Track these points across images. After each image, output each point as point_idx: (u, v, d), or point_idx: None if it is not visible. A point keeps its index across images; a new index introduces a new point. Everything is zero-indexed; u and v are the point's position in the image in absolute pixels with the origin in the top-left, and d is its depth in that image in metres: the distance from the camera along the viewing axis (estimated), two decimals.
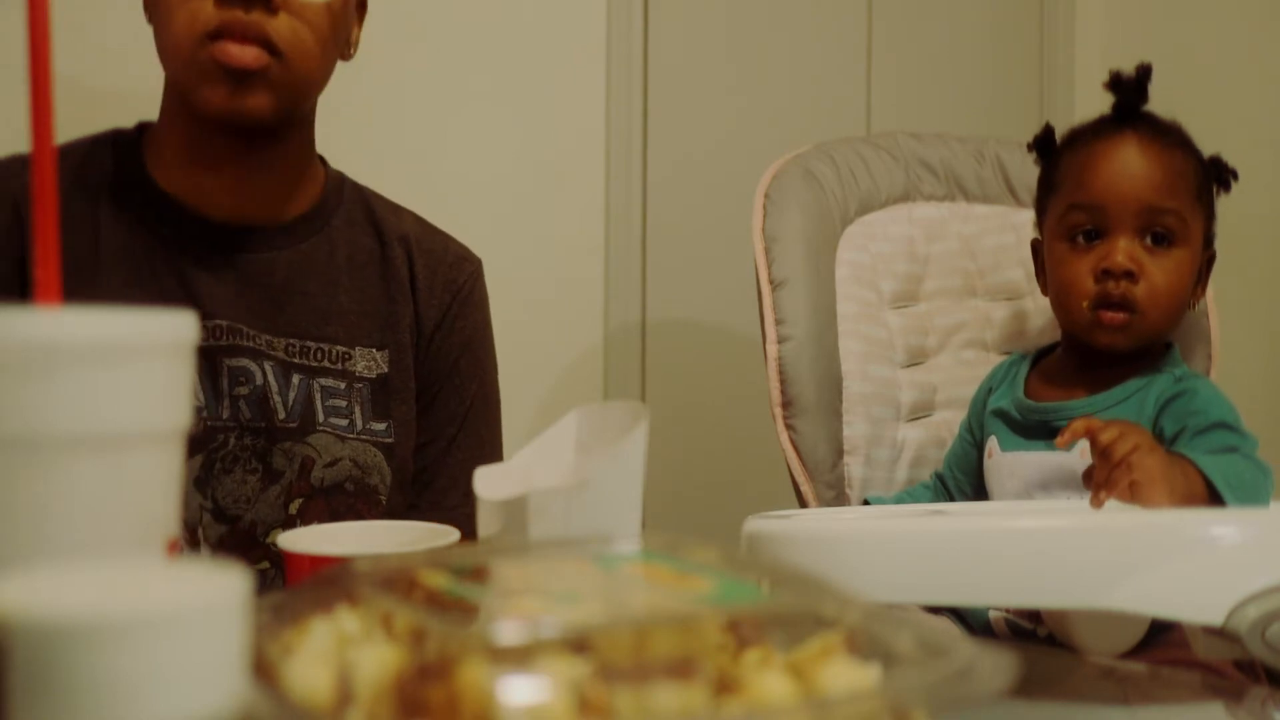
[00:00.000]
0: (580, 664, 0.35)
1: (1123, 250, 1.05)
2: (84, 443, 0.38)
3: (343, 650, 0.36)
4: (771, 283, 1.23)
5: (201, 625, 0.27)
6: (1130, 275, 1.04)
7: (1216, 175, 1.14)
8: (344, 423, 0.98)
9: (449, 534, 0.67)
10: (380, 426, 1.00)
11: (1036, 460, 1.10)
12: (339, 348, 1.00)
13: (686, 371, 2.02)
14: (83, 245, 0.93)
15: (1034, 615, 0.99)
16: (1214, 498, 0.91)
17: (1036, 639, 0.98)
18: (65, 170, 0.94)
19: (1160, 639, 0.90)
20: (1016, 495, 1.11)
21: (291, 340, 0.98)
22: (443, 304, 1.06)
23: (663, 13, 2.00)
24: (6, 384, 0.37)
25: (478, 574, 0.44)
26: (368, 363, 1.01)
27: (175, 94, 0.95)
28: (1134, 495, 0.84)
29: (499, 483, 0.60)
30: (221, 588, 0.27)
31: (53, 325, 0.38)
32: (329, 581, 0.42)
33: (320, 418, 0.97)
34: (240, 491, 0.94)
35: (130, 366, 0.39)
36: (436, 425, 1.05)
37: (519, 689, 0.33)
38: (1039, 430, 1.12)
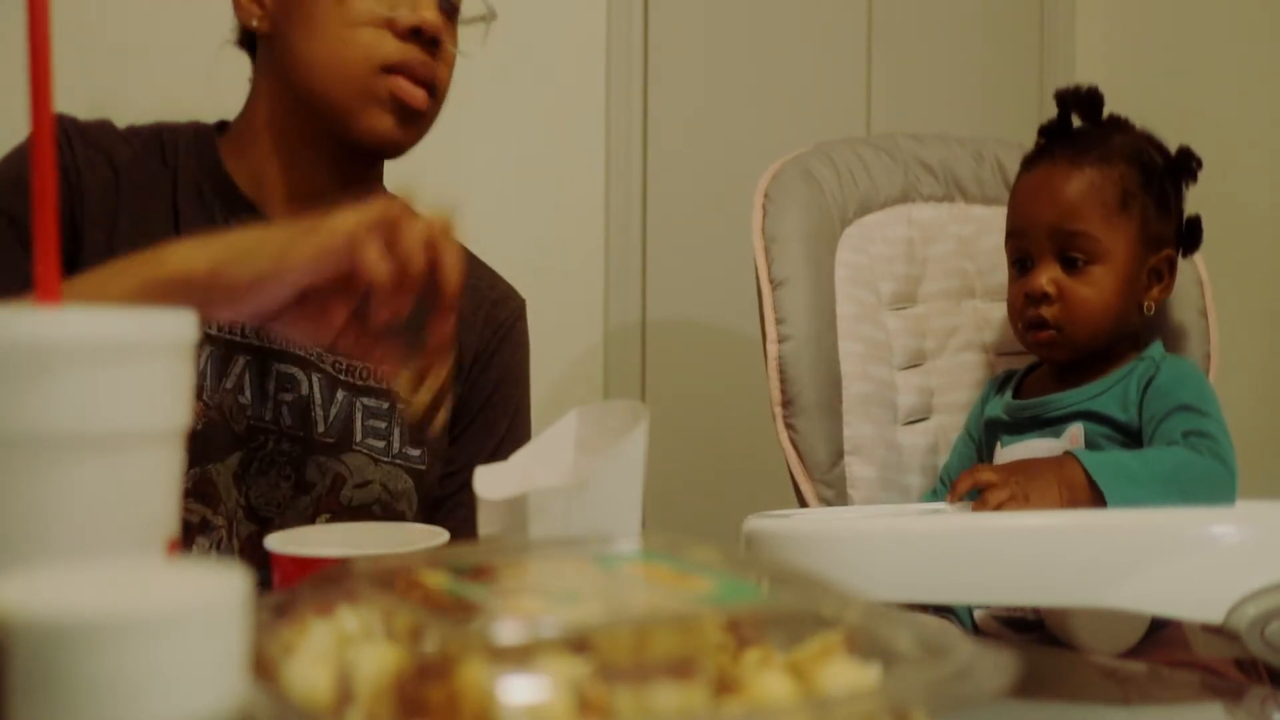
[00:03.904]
0: (580, 664, 0.34)
1: (1042, 275, 1.13)
2: (84, 443, 0.38)
3: (343, 650, 0.36)
4: (771, 282, 1.23)
5: (201, 625, 0.27)
6: (1047, 298, 1.12)
7: (1184, 168, 1.18)
8: (380, 444, 0.98)
9: (439, 535, 0.67)
10: (415, 452, 1.00)
11: (1028, 448, 1.12)
12: None
13: (686, 371, 2.02)
14: (163, 223, 0.91)
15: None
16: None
17: (1029, 627, 0.98)
18: (144, 146, 0.94)
19: (1158, 635, 0.90)
20: None
21: (338, 358, 0.97)
22: (483, 339, 1.05)
23: (663, 13, 2.00)
24: (6, 384, 0.37)
25: (478, 574, 0.44)
26: None
27: (298, 117, 0.92)
28: None
29: (499, 482, 0.60)
30: (221, 588, 0.27)
31: (53, 325, 0.38)
32: (329, 581, 0.42)
33: (358, 436, 0.97)
34: (273, 495, 0.94)
35: (130, 366, 0.39)
36: (465, 457, 1.04)
37: (519, 689, 0.33)
38: (1030, 425, 1.15)
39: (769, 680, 0.36)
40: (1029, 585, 0.67)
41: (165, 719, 0.26)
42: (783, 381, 1.21)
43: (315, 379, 0.96)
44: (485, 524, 0.58)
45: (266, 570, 0.64)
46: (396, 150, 0.93)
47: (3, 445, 0.37)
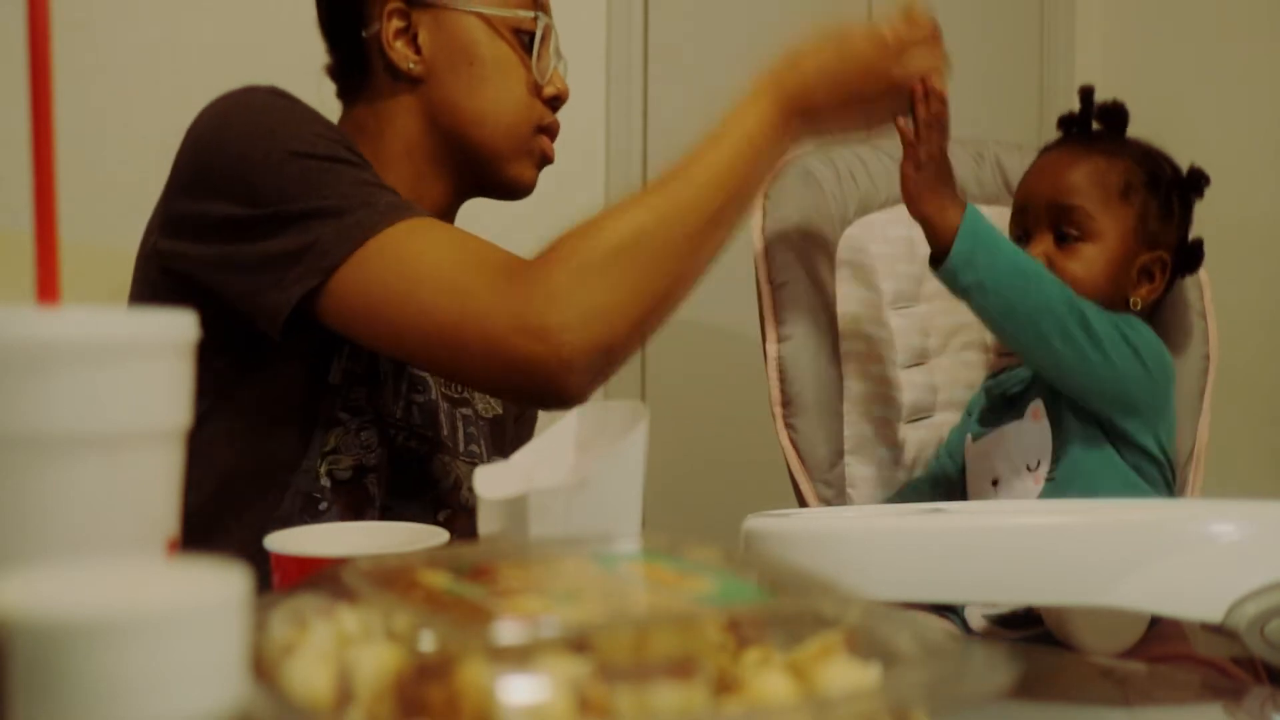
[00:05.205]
0: (580, 664, 0.34)
1: (1035, 247, 1.15)
2: (84, 442, 0.38)
3: (343, 650, 0.36)
4: (771, 282, 1.23)
5: (201, 625, 0.27)
6: None
7: (1192, 184, 1.19)
8: (476, 450, 1.04)
9: (438, 535, 0.67)
10: (499, 459, 1.03)
11: (998, 438, 1.15)
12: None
13: (686, 371, 2.02)
14: None
15: (1023, 615, 0.99)
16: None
17: (1021, 624, 0.98)
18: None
19: (1156, 629, 0.90)
20: (983, 474, 1.16)
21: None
22: None
23: (663, 13, 2.00)
24: (6, 383, 0.37)
25: (478, 574, 0.44)
26: (485, 403, 1.09)
27: (444, 153, 1.00)
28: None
29: (499, 482, 0.60)
30: (221, 588, 0.27)
31: (52, 324, 0.38)
32: (329, 581, 0.42)
33: (461, 446, 1.03)
34: (396, 487, 0.98)
35: (130, 366, 0.39)
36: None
37: (519, 689, 0.33)
38: (1001, 406, 1.17)
39: (769, 680, 0.36)
40: (1029, 585, 0.67)
41: (165, 719, 0.26)
42: (782, 381, 1.21)
43: (436, 386, 1.01)
44: (485, 524, 0.58)
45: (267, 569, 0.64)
46: (527, 194, 1.05)
47: (2, 445, 0.37)
